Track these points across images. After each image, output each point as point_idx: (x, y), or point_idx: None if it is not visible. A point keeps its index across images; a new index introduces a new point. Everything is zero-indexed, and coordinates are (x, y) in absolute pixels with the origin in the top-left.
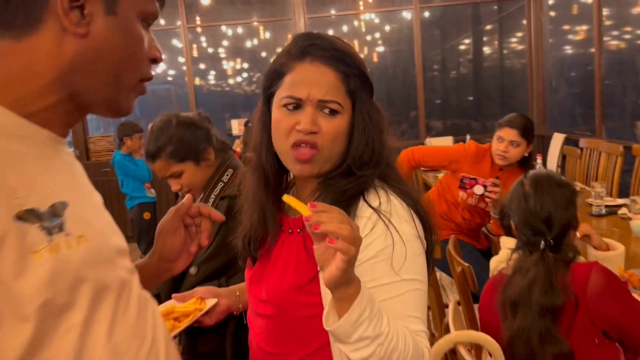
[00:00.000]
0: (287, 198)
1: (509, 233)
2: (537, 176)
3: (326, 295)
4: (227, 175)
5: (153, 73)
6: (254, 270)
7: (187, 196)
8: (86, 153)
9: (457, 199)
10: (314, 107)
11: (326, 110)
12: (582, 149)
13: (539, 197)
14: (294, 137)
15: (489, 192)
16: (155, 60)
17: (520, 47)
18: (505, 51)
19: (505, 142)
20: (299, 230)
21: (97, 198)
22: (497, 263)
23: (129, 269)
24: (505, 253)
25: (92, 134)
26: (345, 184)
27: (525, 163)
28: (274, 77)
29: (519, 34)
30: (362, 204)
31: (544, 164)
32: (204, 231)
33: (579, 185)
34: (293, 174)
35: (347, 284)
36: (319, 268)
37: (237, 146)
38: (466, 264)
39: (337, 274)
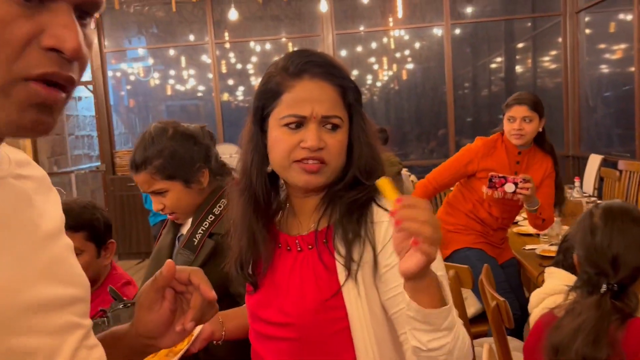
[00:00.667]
0: (382, 182)
1: (565, 264)
2: (610, 207)
3: (350, 304)
4: (220, 206)
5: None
6: (260, 295)
7: (168, 263)
8: (112, 167)
9: (482, 196)
10: (317, 123)
11: (328, 126)
12: (621, 172)
13: (607, 232)
14: (299, 154)
15: (521, 188)
16: (60, 51)
17: (554, 66)
18: (539, 69)
19: (517, 120)
20: (310, 247)
21: (32, 235)
22: (542, 296)
23: (60, 326)
24: (550, 286)
25: (120, 148)
26: (356, 193)
27: (541, 140)
28: (268, 96)
29: (554, 52)
30: (376, 209)
31: (580, 185)
32: (192, 310)
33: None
34: (299, 186)
35: (422, 277)
36: (396, 255)
37: None
38: (501, 299)
39: (415, 270)
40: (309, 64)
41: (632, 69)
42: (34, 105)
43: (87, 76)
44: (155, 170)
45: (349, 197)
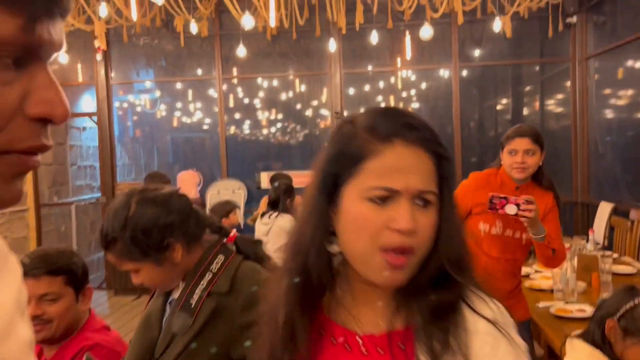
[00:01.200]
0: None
1: (596, 336)
2: None
3: None
4: (218, 262)
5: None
6: None
7: None
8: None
9: (480, 235)
10: (410, 199)
11: (420, 202)
12: (632, 222)
13: None
14: (389, 240)
15: (523, 210)
16: (46, 120)
17: (562, 110)
18: (546, 113)
19: (520, 153)
20: (380, 351)
21: None
22: None
23: None
24: None
25: (123, 179)
26: (443, 293)
27: (539, 175)
28: (345, 162)
29: (561, 96)
30: (469, 315)
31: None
32: None
33: (629, 262)
34: (377, 283)
35: None
36: None
37: (264, 204)
38: None
39: None
40: (405, 126)
41: None
42: (17, 175)
43: (92, 107)
44: (118, 254)
45: (436, 298)
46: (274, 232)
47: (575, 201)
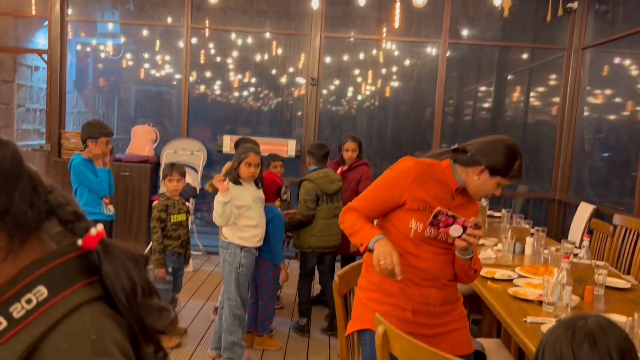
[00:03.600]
0: None
1: None
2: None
3: None
4: (31, 301)
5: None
6: None
7: None
8: (58, 148)
9: (408, 234)
10: None
11: None
12: (615, 227)
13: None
14: None
15: (469, 235)
16: None
17: (548, 103)
18: (532, 103)
19: (499, 190)
20: None
21: None
22: None
23: None
24: None
25: (76, 128)
26: None
27: None
28: None
29: (549, 88)
30: None
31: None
32: None
33: (617, 273)
34: None
35: None
36: None
37: (224, 171)
38: None
39: None
40: None
41: (626, 113)
42: None
43: (44, 44)
44: None
45: None
46: None
47: (553, 198)
